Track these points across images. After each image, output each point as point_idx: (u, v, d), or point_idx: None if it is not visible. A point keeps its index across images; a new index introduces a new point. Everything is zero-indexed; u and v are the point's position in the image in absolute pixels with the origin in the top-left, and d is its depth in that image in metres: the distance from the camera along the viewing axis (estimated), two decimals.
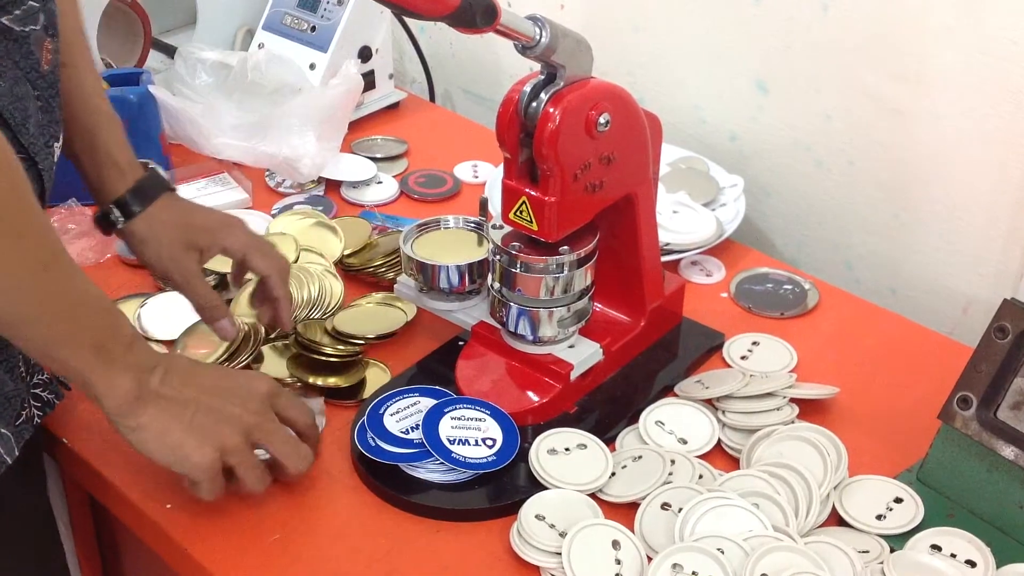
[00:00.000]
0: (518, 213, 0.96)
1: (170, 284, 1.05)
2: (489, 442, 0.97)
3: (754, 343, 1.13)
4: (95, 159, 1.01)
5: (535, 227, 0.95)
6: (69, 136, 0.97)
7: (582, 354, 1.03)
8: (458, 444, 0.96)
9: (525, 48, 0.89)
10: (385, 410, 0.99)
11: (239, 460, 0.87)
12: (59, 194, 1.28)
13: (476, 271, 1.07)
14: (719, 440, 1.00)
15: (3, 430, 0.87)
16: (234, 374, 0.93)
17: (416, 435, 0.96)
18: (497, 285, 1.02)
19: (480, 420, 0.98)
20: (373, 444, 0.96)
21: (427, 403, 1.00)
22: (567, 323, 1.02)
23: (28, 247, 0.74)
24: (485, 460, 0.95)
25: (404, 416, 0.99)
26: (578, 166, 0.93)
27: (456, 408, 0.99)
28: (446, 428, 0.97)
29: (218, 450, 0.85)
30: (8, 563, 0.93)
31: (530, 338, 1.02)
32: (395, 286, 1.13)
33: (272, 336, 1.11)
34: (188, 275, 1.02)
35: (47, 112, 0.86)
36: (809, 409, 1.03)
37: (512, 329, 1.02)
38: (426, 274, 1.07)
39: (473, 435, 0.97)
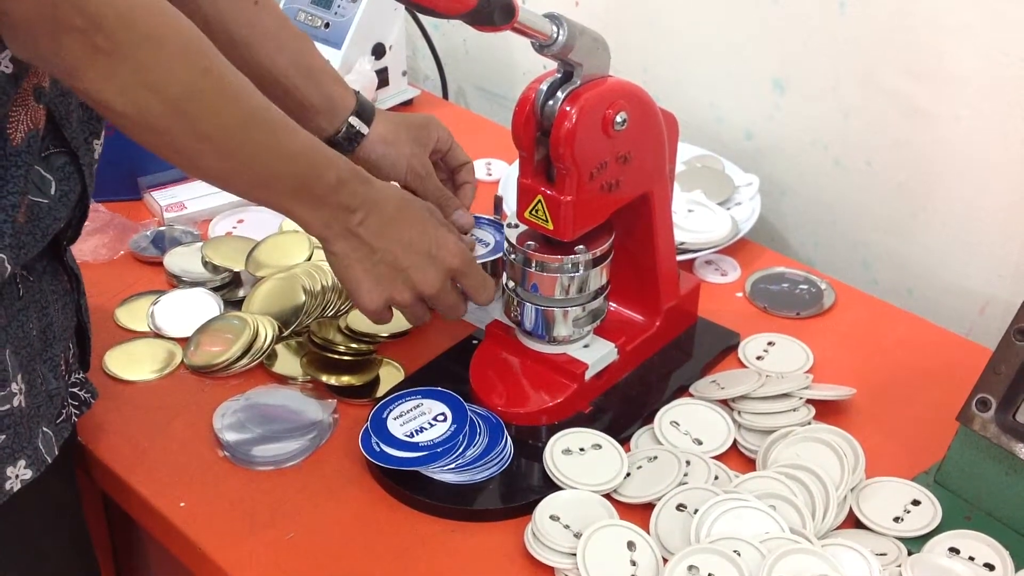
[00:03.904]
0: (533, 212, 0.95)
1: (408, 186, 1.09)
2: (441, 417, 0.98)
3: (770, 343, 1.13)
4: (318, 79, 1.06)
5: (550, 226, 0.95)
6: (280, 69, 1.03)
7: (597, 354, 1.02)
8: (418, 434, 0.96)
9: (542, 46, 0.88)
10: (388, 414, 0.99)
11: (406, 309, 0.96)
12: None
13: (490, 270, 1.06)
14: (735, 441, 0.99)
15: (46, 429, 0.88)
16: (432, 236, 0.94)
17: (421, 438, 0.96)
18: (512, 284, 1.01)
19: (418, 405, 0.99)
20: (378, 449, 0.95)
21: (430, 405, 0.99)
22: (582, 322, 1.01)
23: (228, 107, 0.79)
24: (451, 432, 0.96)
25: (408, 419, 0.98)
26: (594, 165, 0.92)
27: (390, 409, 0.99)
28: (397, 429, 0.97)
29: (386, 299, 0.93)
30: (50, 554, 0.94)
31: (545, 337, 1.02)
32: (489, 325, 1.10)
33: (288, 333, 1.11)
34: (428, 170, 1.09)
35: (86, 108, 0.87)
36: (826, 410, 1.02)
37: (527, 328, 1.02)
38: None
39: (422, 420, 0.98)
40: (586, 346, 1.03)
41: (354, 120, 1.06)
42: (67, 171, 0.86)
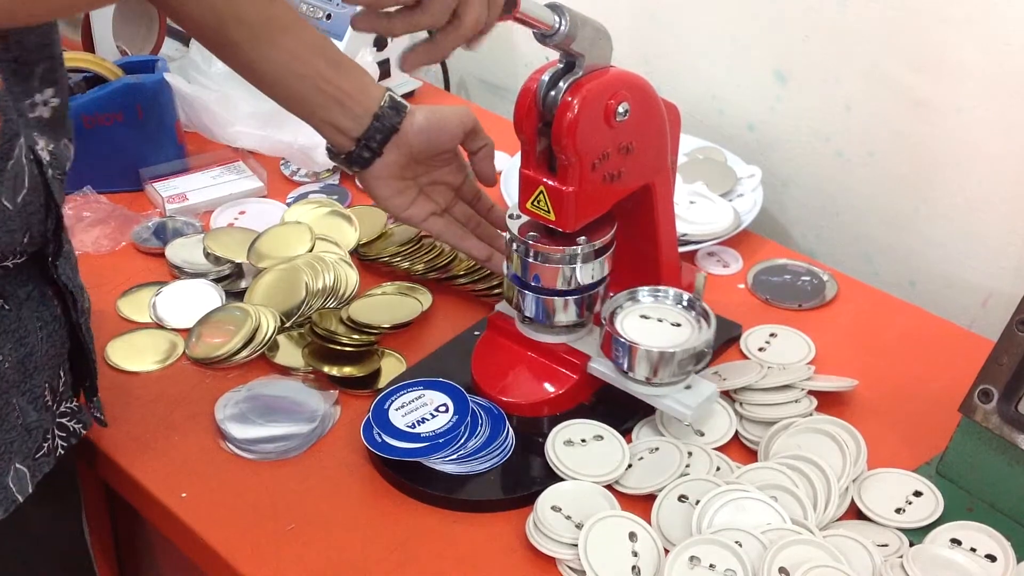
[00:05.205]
0: (535, 203, 0.95)
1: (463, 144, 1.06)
2: (442, 408, 0.98)
3: (772, 335, 1.12)
4: (348, 68, 0.98)
5: (552, 217, 0.95)
6: (310, 63, 0.95)
7: (700, 396, 0.98)
8: (419, 425, 0.96)
9: (544, 36, 0.88)
10: (390, 405, 0.99)
11: None
12: (75, 181, 1.29)
13: (587, 303, 1.01)
14: (736, 432, 0.99)
15: (19, 465, 0.83)
16: None
17: (422, 428, 0.96)
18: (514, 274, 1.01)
19: (419, 396, 0.99)
20: (380, 440, 0.95)
21: (432, 396, 0.99)
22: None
23: None
24: (453, 423, 0.96)
25: (410, 410, 0.98)
26: (596, 156, 0.92)
27: (392, 399, 0.99)
28: (398, 420, 0.97)
29: None
30: None
31: (546, 322, 1.01)
32: (490, 316, 1.08)
33: (290, 324, 1.11)
34: (477, 125, 1.04)
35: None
36: (827, 401, 1.02)
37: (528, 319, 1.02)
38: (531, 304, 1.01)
39: (424, 411, 0.97)
40: (688, 387, 0.97)
41: (391, 93, 1.00)
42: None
